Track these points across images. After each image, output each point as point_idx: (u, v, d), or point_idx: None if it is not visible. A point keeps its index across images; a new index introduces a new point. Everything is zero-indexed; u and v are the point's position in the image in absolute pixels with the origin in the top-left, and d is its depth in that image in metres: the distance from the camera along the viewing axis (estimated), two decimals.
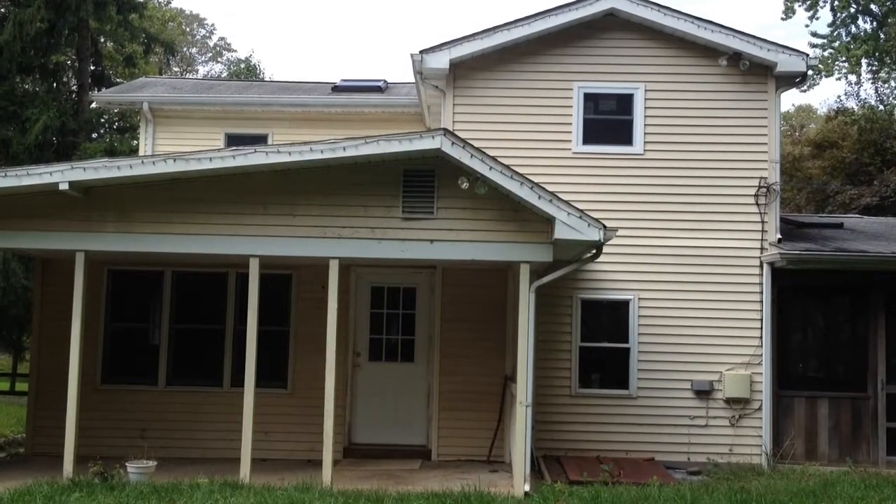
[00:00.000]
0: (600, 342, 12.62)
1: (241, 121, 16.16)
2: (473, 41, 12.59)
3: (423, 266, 11.98)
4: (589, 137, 12.81)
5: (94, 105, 24.72)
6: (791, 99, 64.26)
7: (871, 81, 28.70)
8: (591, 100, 12.93)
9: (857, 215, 19.88)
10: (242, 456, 9.79)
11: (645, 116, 12.80)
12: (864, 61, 26.04)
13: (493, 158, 9.52)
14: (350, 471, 10.85)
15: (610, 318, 12.69)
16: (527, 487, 9.50)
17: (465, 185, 9.60)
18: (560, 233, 9.37)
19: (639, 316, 12.56)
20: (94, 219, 9.91)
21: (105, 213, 9.91)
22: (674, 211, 12.65)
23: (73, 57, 26.26)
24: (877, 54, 25.37)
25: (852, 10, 25.56)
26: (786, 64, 12.56)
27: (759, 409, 12.37)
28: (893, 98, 28.29)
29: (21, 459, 11.83)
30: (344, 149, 9.54)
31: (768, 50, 12.57)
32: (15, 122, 23.38)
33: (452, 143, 9.47)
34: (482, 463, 11.74)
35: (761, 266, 12.54)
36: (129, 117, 27.24)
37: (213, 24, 52.84)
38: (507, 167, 9.50)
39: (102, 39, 27.64)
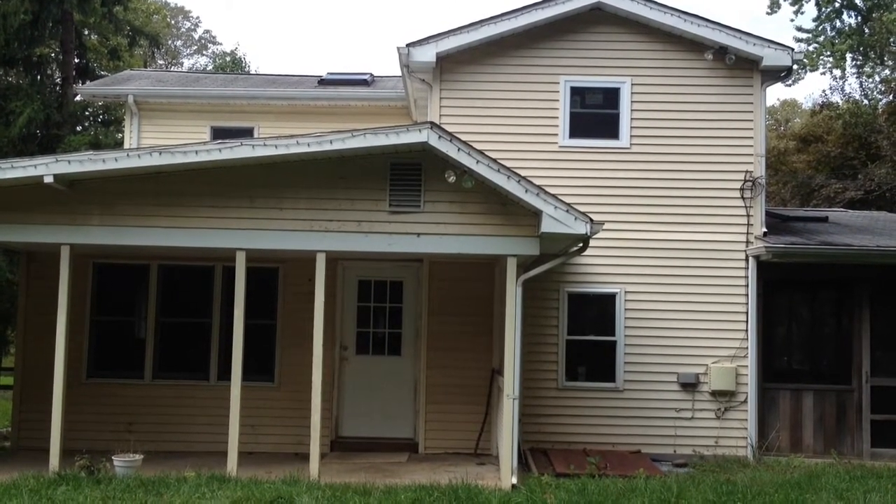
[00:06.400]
0: (587, 335, 12.66)
1: (227, 114, 16.12)
2: (460, 34, 12.60)
3: (411, 259, 11.98)
4: (575, 131, 12.83)
5: (78, 98, 24.54)
6: (776, 93, 64.70)
7: (855, 76, 28.76)
8: (577, 93, 12.95)
9: (841, 209, 19.98)
10: (229, 449, 9.78)
11: (631, 110, 12.84)
12: (848, 56, 26.08)
13: (480, 152, 9.53)
14: (337, 464, 10.86)
15: (596, 312, 12.73)
16: (514, 480, 9.53)
17: (451, 179, 9.59)
18: (547, 226, 9.40)
19: (625, 309, 12.61)
20: (79, 212, 9.86)
21: (90, 207, 9.86)
22: (660, 205, 12.70)
23: (58, 49, 26.08)
24: (861, 49, 25.44)
25: (837, 5, 25.61)
26: (771, 58, 12.62)
27: (745, 401, 12.44)
28: (878, 93, 28.39)
29: (6, 453, 11.76)
30: (331, 142, 9.51)
31: (754, 44, 12.62)
32: None
33: (439, 137, 9.47)
34: (469, 456, 11.76)
35: (747, 259, 12.60)
36: (114, 110, 27.11)
37: (198, 17, 52.42)
38: (494, 161, 9.50)
39: (87, 32, 27.47)
